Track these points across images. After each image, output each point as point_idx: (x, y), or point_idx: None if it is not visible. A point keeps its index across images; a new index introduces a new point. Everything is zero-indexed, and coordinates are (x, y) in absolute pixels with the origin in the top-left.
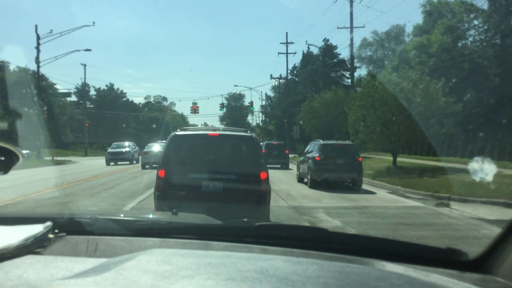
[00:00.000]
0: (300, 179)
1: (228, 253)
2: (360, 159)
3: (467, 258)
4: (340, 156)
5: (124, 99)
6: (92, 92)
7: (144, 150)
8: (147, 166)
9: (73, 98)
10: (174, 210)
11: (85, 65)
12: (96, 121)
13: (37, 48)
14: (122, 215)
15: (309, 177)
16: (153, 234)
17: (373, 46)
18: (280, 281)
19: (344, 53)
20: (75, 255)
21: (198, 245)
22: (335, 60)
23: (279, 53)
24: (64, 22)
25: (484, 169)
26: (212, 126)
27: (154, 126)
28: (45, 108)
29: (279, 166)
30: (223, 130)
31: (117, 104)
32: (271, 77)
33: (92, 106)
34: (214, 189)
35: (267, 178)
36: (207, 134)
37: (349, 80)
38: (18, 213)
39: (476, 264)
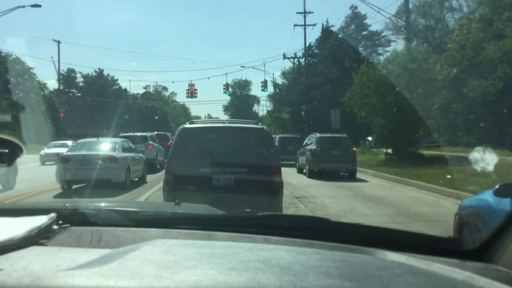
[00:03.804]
0: (300, 170)
1: (231, 243)
2: (354, 149)
3: (469, 247)
4: (336, 147)
5: (116, 87)
6: (79, 79)
7: (68, 152)
8: (74, 186)
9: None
10: (177, 201)
11: (58, 41)
12: (83, 111)
13: None
14: (125, 206)
15: (307, 168)
16: (156, 225)
17: (412, 13)
18: (282, 271)
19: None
20: (79, 246)
21: (201, 236)
22: (364, 32)
23: (295, 25)
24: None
25: None
26: (216, 118)
27: (156, 118)
28: None
29: (294, 162)
30: (232, 122)
31: (107, 92)
32: (284, 57)
33: (79, 94)
34: (225, 184)
35: (280, 171)
36: (217, 127)
37: (383, 57)
38: (22, 205)
39: (477, 253)
